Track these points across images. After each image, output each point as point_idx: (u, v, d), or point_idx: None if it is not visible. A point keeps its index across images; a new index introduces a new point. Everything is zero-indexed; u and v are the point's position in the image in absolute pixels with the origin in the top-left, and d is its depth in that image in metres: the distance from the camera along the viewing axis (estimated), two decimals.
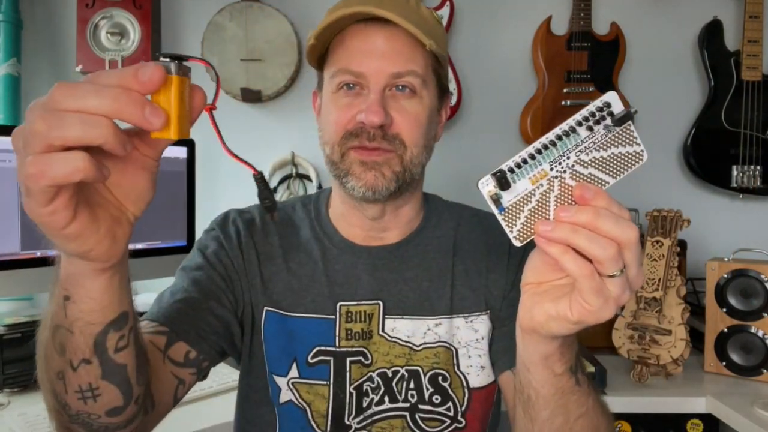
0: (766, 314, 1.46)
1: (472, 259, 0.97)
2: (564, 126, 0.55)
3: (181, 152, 1.69)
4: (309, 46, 0.90)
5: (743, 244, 1.65)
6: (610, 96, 0.54)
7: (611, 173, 0.55)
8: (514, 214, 0.55)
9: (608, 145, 0.54)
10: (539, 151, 0.55)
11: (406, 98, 0.87)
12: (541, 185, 0.55)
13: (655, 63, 2.02)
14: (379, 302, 0.93)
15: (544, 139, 0.55)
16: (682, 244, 1.63)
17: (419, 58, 0.87)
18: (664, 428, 1.42)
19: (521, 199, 0.55)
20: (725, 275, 1.51)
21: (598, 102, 0.54)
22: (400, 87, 0.86)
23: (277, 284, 0.94)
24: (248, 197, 1.99)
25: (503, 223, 0.56)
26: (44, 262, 1.44)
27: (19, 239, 1.39)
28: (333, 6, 0.89)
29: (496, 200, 0.55)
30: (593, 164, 0.55)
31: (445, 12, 1.95)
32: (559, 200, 0.55)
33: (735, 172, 1.90)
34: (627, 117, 0.54)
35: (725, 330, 1.50)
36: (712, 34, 1.93)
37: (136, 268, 1.74)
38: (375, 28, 0.86)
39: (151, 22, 1.91)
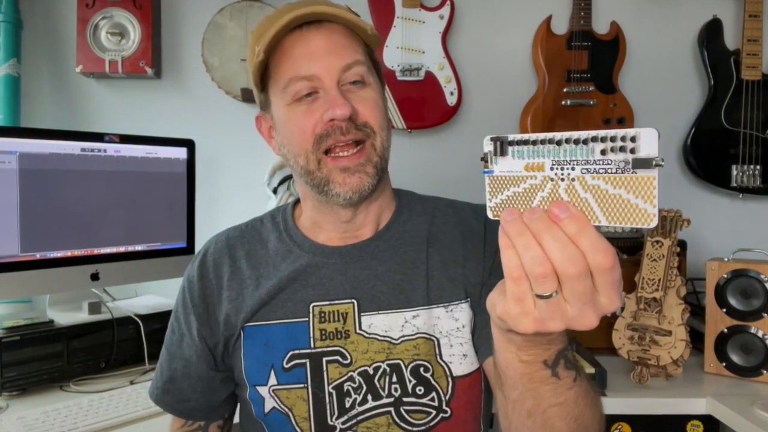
0: (766, 314, 1.46)
1: (448, 249, 0.97)
2: (582, 133, 0.49)
3: (181, 153, 1.69)
4: (258, 63, 0.90)
5: (743, 244, 1.65)
6: (648, 133, 0.46)
7: (607, 214, 0.49)
8: (499, 186, 0.54)
9: (620, 183, 0.47)
10: (546, 142, 0.51)
11: (359, 89, 0.90)
12: (534, 178, 0.52)
13: (655, 62, 2.02)
14: (353, 301, 0.93)
15: (558, 134, 0.51)
16: (682, 244, 1.63)
17: (358, 47, 0.92)
18: (664, 429, 1.42)
19: (510, 178, 0.54)
20: (725, 275, 1.50)
21: (630, 131, 0.46)
22: (351, 82, 0.89)
23: (248, 302, 0.95)
24: (247, 198, 2.00)
25: (487, 188, 0.54)
26: (43, 264, 1.44)
27: (18, 241, 1.40)
28: (259, 26, 0.91)
29: (489, 162, 0.54)
30: (594, 191, 0.49)
31: (445, 12, 1.95)
32: (543, 201, 0.52)
33: (735, 172, 1.90)
34: (646, 164, 0.45)
35: (725, 330, 1.49)
36: (711, 33, 1.92)
37: (136, 270, 1.75)
38: (311, 31, 0.89)
39: (151, 22, 1.91)
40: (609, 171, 0.48)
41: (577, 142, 0.49)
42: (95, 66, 1.88)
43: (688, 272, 1.70)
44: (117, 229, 1.57)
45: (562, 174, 0.51)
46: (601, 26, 1.97)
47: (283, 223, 1.02)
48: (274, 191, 1.93)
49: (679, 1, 2.01)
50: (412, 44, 1.94)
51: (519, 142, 0.53)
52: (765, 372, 1.45)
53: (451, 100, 1.94)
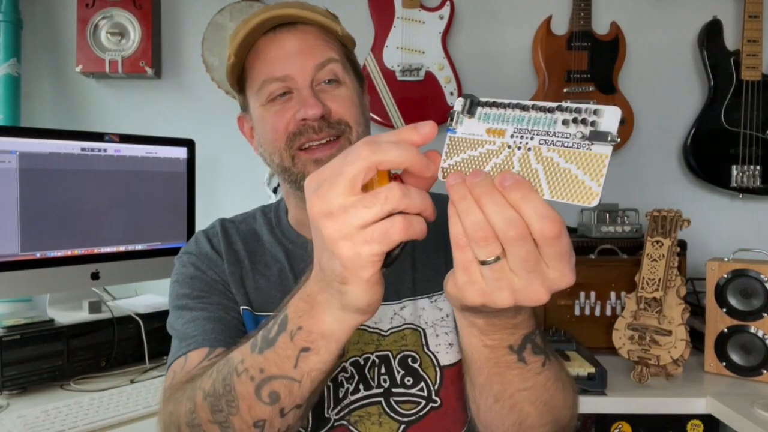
0: (766, 314, 1.46)
1: (433, 241, 0.98)
2: (547, 103, 0.50)
3: (181, 153, 1.69)
4: (230, 66, 0.93)
5: (743, 244, 1.65)
6: (611, 110, 0.46)
7: (552, 188, 0.48)
8: (457, 147, 0.53)
9: (572, 157, 0.47)
10: (514, 107, 0.51)
11: (333, 89, 0.92)
12: (493, 143, 0.51)
13: (655, 63, 2.02)
14: None
15: (525, 102, 0.51)
16: (682, 244, 1.63)
17: (333, 46, 0.93)
18: (664, 429, 1.42)
19: (470, 141, 0.53)
20: (725, 275, 1.51)
21: (592, 105, 0.48)
22: (326, 81, 0.91)
23: (247, 285, 0.95)
24: (247, 198, 2.00)
25: (446, 147, 0.54)
26: (43, 263, 1.44)
27: (19, 240, 1.39)
28: (236, 27, 0.93)
29: (454, 121, 0.54)
30: (545, 163, 0.48)
31: (445, 12, 1.95)
32: (495, 168, 0.51)
33: (735, 172, 1.90)
34: (603, 137, 0.46)
35: (725, 330, 1.50)
36: (711, 33, 1.93)
37: (136, 269, 1.75)
38: (284, 33, 0.91)
39: (151, 22, 1.91)
40: (566, 144, 0.48)
41: (543, 109, 0.49)
42: (95, 66, 1.88)
43: (688, 272, 1.70)
44: (117, 229, 1.57)
45: (520, 143, 0.50)
46: (601, 27, 1.97)
47: (276, 219, 1.03)
48: (274, 191, 1.93)
49: (679, 1, 2.01)
50: (412, 44, 1.94)
51: (489, 104, 0.52)
52: (765, 372, 1.45)
53: (451, 100, 1.94)
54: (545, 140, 0.49)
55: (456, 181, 0.49)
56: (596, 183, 0.46)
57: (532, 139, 0.50)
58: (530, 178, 0.49)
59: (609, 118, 0.46)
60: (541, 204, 0.46)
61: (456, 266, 0.51)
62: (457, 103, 0.53)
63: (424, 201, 0.50)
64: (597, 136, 0.46)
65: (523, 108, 0.50)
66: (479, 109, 0.52)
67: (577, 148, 0.47)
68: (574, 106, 0.48)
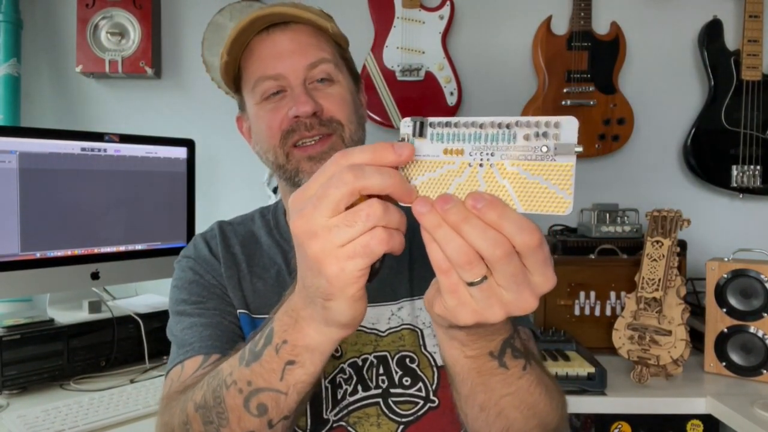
0: (766, 314, 1.46)
1: None
2: (503, 118, 0.49)
3: (181, 153, 1.69)
4: (223, 64, 0.95)
5: (743, 244, 1.65)
6: (569, 120, 0.47)
7: (524, 201, 0.48)
8: (414, 171, 0.52)
9: (538, 170, 0.48)
10: (468, 125, 0.50)
11: (326, 87, 0.93)
12: (452, 163, 0.50)
13: (655, 63, 2.02)
14: None
15: (479, 118, 0.50)
16: (682, 244, 1.63)
17: (326, 46, 0.94)
18: (664, 429, 1.42)
19: (427, 163, 0.51)
20: (725, 275, 1.51)
21: (552, 118, 0.48)
22: (318, 80, 0.93)
23: (245, 288, 0.96)
24: (246, 198, 2.00)
25: (401, 172, 0.52)
26: (43, 263, 1.44)
27: (19, 240, 1.40)
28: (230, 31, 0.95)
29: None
30: (511, 178, 0.49)
31: (445, 12, 1.95)
32: (460, 188, 0.50)
33: (735, 172, 1.90)
34: (566, 148, 0.47)
35: (725, 330, 1.49)
36: (712, 33, 1.93)
37: (136, 269, 1.75)
38: (277, 33, 0.92)
39: (151, 22, 1.91)
40: (528, 158, 0.48)
41: (500, 126, 0.49)
42: (95, 66, 1.88)
43: (688, 272, 1.70)
44: (117, 229, 1.57)
45: (482, 160, 0.50)
46: (601, 26, 1.97)
47: (274, 221, 1.03)
48: (274, 191, 1.93)
49: (679, 1, 2.01)
50: (412, 44, 1.94)
51: (442, 124, 0.51)
52: (765, 372, 1.45)
53: (451, 100, 1.94)
54: (507, 155, 0.49)
55: (425, 209, 0.48)
56: (567, 192, 0.47)
57: (492, 155, 0.50)
58: (499, 194, 0.49)
59: (568, 128, 0.47)
60: (518, 217, 0.47)
61: (443, 290, 0.51)
62: (406, 127, 0.52)
63: (401, 217, 0.50)
64: (559, 148, 0.47)
65: (480, 125, 0.50)
66: (429, 129, 0.51)
67: (541, 160, 0.48)
68: (534, 119, 0.48)
